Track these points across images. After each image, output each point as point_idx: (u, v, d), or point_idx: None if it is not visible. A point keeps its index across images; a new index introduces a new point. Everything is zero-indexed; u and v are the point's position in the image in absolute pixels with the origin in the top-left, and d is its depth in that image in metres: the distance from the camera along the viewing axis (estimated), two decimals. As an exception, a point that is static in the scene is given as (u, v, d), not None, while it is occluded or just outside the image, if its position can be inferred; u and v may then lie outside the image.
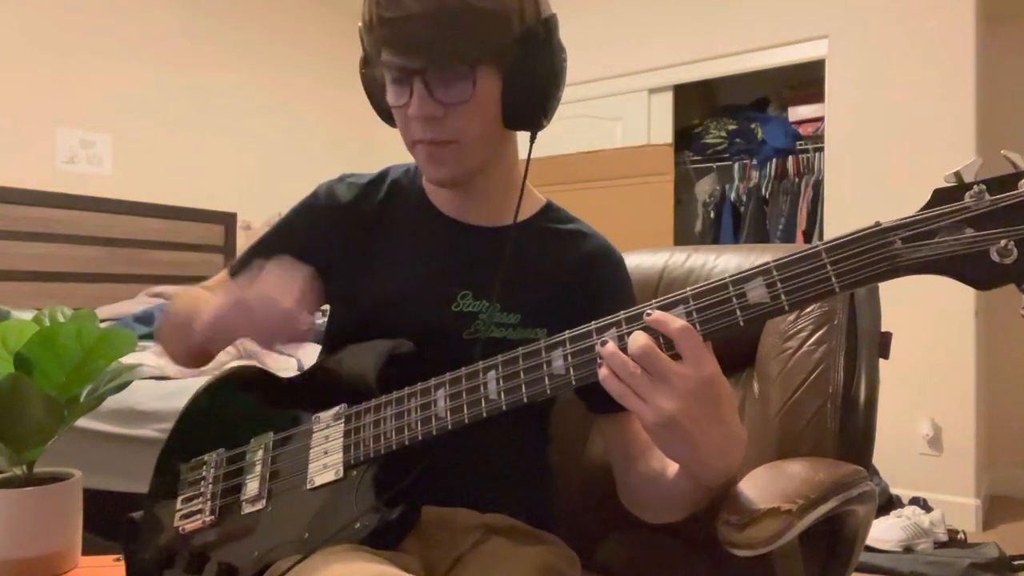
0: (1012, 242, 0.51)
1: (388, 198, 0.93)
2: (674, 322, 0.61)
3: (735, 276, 0.61)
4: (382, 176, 0.96)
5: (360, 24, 0.78)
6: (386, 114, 0.84)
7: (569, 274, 0.89)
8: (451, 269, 0.87)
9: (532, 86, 0.78)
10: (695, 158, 3.96)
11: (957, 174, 0.55)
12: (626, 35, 3.70)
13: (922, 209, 0.55)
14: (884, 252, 0.56)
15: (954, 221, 0.54)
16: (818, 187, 3.47)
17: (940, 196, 0.55)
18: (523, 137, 0.86)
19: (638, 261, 1.23)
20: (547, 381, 0.68)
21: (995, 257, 0.52)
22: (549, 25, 0.78)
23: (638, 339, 0.62)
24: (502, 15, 0.74)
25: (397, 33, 0.73)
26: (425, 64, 0.73)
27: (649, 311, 0.63)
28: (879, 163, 3.00)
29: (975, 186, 0.53)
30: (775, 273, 0.59)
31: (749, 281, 0.60)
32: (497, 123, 0.79)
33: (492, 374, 0.72)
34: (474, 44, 0.73)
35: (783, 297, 0.59)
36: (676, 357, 0.61)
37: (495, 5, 0.73)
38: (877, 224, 0.56)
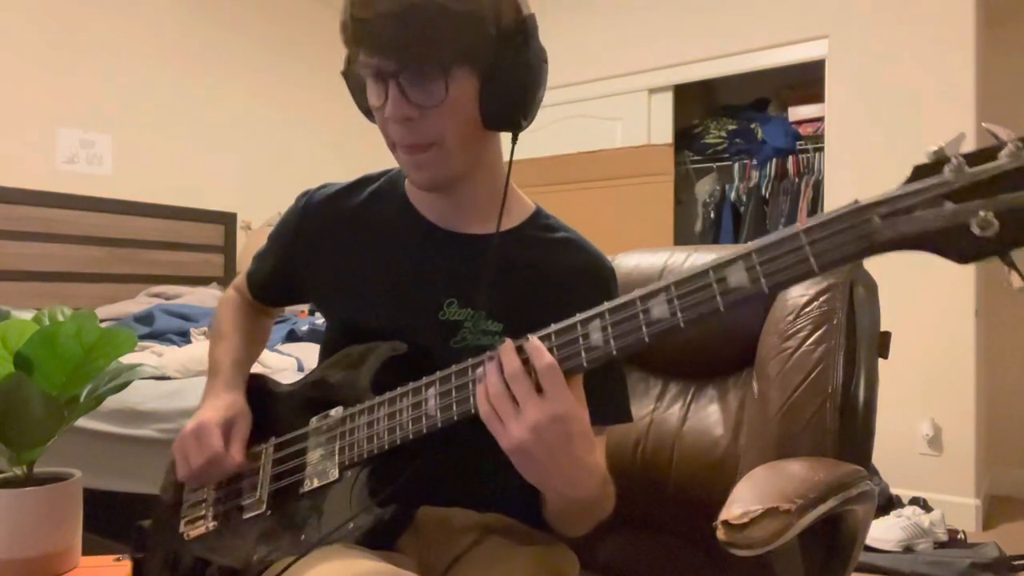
0: (992, 214, 0.50)
1: (368, 204, 0.92)
2: (543, 358, 0.64)
3: (716, 262, 0.61)
4: (361, 182, 0.95)
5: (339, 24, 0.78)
6: (371, 113, 0.83)
7: (556, 285, 0.86)
8: (437, 277, 0.86)
9: (511, 86, 0.77)
10: (695, 158, 3.96)
11: (939, 150, 0.53)
12: (626, 35, 3.70)
13: (902, 185, 0.55)
14: (862, 229, 0.55)
15: (933, 195, 0.53)
16: (818, 187, 3.46)
17: (920, 171, 0.54)
18: (507, 139, 0.85)
19: (638, 261, 1.23)
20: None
21: (976, 230, 0.51)
22: (527, 25, 0.77)
23: (512, 362, 0.65)
24: (475, 16, 0.73)
25: (369, 33, 0.72)
26: (398, 65, 0.73)
27: (529, 336, 0.67)
28: (879, 163, 3.00)
29: (954, 159, 0.52)
30: (755, 257, 0.59)
31: (729, 266, 0.60)
32: (477, 125, 0.78)
33: (480, 371, 0.71)
34: (446, 45, 0.72)
35: (762, 280, 0.58)
36: None
37: (468, 6, 0.72)
38: (856, 202, 0.56)
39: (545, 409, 0.63)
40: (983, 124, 0.54)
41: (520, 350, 0.67)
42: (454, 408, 0.72)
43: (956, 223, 0.52)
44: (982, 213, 0.51)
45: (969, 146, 0.54)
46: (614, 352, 0.64)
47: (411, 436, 0.74)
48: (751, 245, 0.60)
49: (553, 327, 0.68)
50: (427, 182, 0.81)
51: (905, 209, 0.54)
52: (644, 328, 0.63)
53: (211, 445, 0.82)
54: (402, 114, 0.74)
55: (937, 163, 0.53)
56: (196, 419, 0.85)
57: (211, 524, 0.86)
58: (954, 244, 0.52)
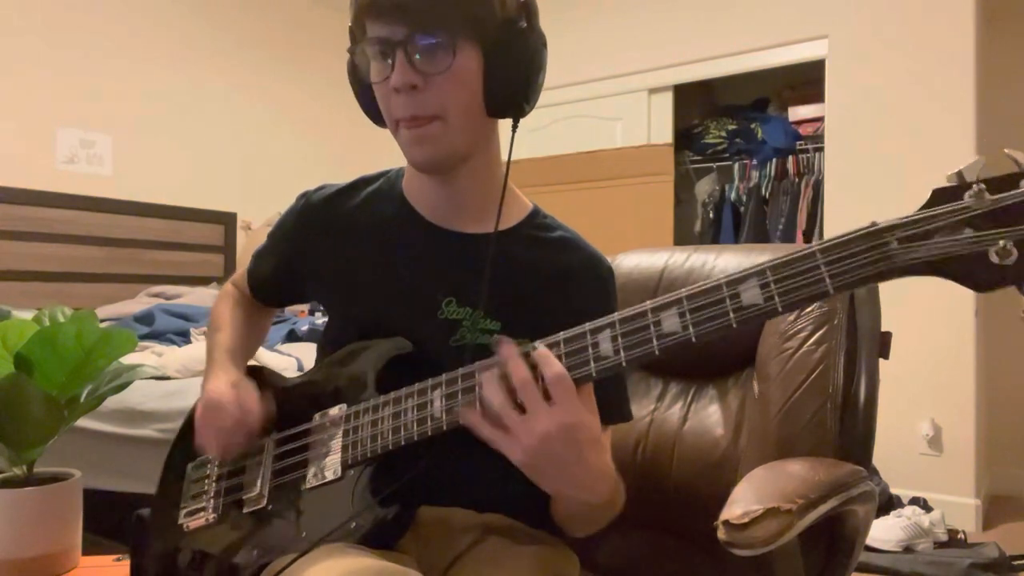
0: (1012, 243, 0.50)
1: (366, 204, 0.92)
2: (552, 367, 0.64)
3: (730, 277, 0.60)
4: (359, 183, 0.95)
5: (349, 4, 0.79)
6: (371, 107, 0.83)
7: (554, 284, 0.86)
8: (435, 276, 0.86)
9: (513, 69, 0.78)
10: (695, 158, 3.96)
11: (959, 173, 0.53)
12: (626, 35, 3.70)
13: (921, 209, 0.54)
14: (879, 253, 0.54)
15: (953, 221, 0.52)
16: (818, 187, 3.46)
17: (939, 196, 0.54)
18: (506, 142, 0.85)
19: (638, 261, 1.23)
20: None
21: (994, 258, 0.50)
22: (529, 10, 0.79)
23: (520, 372, 0.65)
24: None
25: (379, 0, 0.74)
26: (406, 32, 0.74)
27: (536, 345, 0.67)
28: (879, 163, 3.00)
29: (975, 185, 0.52)
30: (769, 274, 0.59)
31: (743, 282, 0.60)
32: (479, 107, 0.79)
33: (487, 374, 0.71)
34: (454, 15, 0.74)
35: (776, 299, 0.58)
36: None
37: None
38: (873, 224, 0.55)
39: (554, 419, 0.63)
40: (1005, 151, 0.53)
41: (526, 357, 0.67)
42: (460, 411, 0.72)
43: (975, 251, 0.51)
44: (1002, 242, 0.50)
45: (968, 148, 0.53)
46: (623, 363, 0.64)
47: (416, 437, 0.74)
48: (766, 263, 0.59)
49: (562, 335, 0.68)
50: (427, 159, 0.80)
51: (923, 234, 0.53)
52: (655, 340, 0.63)
53: (227, 405, 0.83)
54: (407, 81, 0.75)
55: (957, 188, 0.53)
56: (202, 397, 0.86)
57: (211, 516, 0.86)
58: (972, 272, 0.52)
